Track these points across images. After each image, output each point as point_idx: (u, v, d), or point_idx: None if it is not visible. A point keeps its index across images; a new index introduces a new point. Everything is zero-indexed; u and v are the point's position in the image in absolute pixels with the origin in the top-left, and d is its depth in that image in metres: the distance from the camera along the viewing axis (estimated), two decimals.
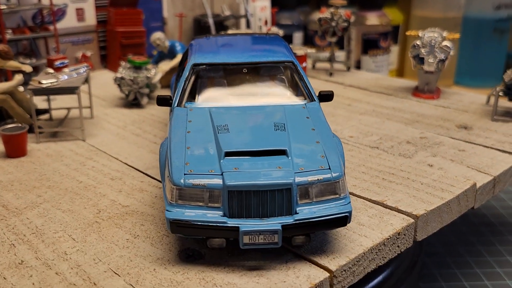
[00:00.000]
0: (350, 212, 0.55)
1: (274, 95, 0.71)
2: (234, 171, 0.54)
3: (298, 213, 0.54)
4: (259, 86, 0.73)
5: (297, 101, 0.70)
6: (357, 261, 0.57)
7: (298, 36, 1.69)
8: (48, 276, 0.54)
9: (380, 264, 0.60)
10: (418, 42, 1.09)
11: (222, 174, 0.54)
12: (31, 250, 0.59)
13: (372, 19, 1.67)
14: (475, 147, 0.86)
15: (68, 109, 1.02)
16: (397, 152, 0.84)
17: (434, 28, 1.10)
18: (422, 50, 1.09)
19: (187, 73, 0.71)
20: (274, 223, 0.53)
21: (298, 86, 0.72)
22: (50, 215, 0.67)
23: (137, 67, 1.06)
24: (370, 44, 1.68)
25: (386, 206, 0.67)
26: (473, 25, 1.75)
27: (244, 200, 0.53)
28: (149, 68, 1.07)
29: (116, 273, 0.55)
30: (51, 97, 1.02)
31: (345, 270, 0.55)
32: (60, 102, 1.09)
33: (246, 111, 0.66)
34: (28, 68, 0.95)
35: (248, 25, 1.49)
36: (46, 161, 0.83)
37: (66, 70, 0.96)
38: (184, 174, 0.55)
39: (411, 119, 1.00)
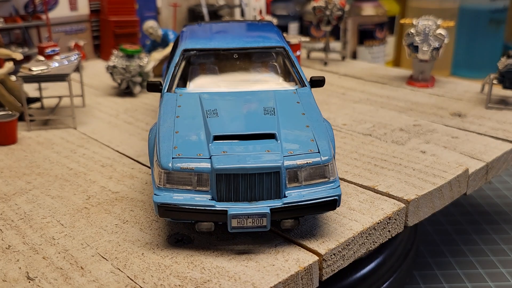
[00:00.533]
0: (339, 196, 0.54)
1: (265, 80, 0.71)
2: (223, 155, 0.54)
3: (287, 196, 0.53)
4: (250, 72, 0.72)
5: (288, 86, 0.69)
6: (346, 245, 0.56)
7: (293, 27, 1.68)
8: (35, 261, 0.54)
9: (370, 248, 0.60)
10: (412, 30, 1.08)
11: (210, 158, 0.54)
12: (19, 235, 0.59)
13: (368, 9, 1.66)
14: (469, 134, 0.86)
15: (60, 97, 1.01)
16: (390, 139, 0.84)
17: (429, 16, 1.09)
18: (416, 38, 1.08)
19: (177, 59, 0.71)
20: (263, 206, 0.52)
21: (289, 72, 0.71)
22: (39, 201, 0.66)
23: (130, 56, 1.05)
24: (366, 35, 1.67)
25: (377, 192, 0.67)
26: (469, 16, 1.74)
27: (232, 184, 0.53)
28: (142, 57, 1.06)
29: (104, 258, 0.54)
30: (43, 85, 1.01)
31: (334, 254, 0.55)
32: (51, 91, 1.08)
33: (236, 96, 0.66)
34: (18, 56, 0.94)
35: (242, 15, 1.48)
36: (37, 148, 0.82)
37: (57, 57, 0.95)
38: (172, 158, 0.54)
39: (405, 107, 0.99)
